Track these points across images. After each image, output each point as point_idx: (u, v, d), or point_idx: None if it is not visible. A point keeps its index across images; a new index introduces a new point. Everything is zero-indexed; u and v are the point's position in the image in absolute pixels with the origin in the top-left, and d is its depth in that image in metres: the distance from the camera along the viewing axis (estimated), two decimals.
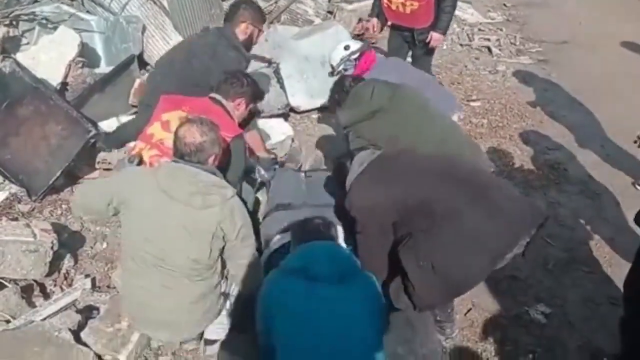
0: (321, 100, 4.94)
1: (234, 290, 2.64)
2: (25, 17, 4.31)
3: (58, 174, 3.51)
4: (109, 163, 3.70)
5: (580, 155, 4.58)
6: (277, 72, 4.70)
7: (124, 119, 4.05)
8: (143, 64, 4.73)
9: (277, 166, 3.74)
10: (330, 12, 6.34)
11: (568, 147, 4.69)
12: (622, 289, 2.67)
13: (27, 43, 4.27)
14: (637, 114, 4.81)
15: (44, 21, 4.33)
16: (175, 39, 4.74)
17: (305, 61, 4.82)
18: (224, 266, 2.51)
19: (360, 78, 3.47)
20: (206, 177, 2.37)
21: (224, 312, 2.62)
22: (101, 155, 3.74)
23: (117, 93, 4.17)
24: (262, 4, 5.79)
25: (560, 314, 3.07)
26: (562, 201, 4.02)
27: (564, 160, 4.50)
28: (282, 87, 4.70)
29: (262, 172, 3.49)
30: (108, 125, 3.95)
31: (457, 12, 7.16)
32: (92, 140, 3.64)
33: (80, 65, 4.14)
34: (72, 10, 4.47)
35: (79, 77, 4.11)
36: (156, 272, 2.34)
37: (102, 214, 2.47)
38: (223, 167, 2.68)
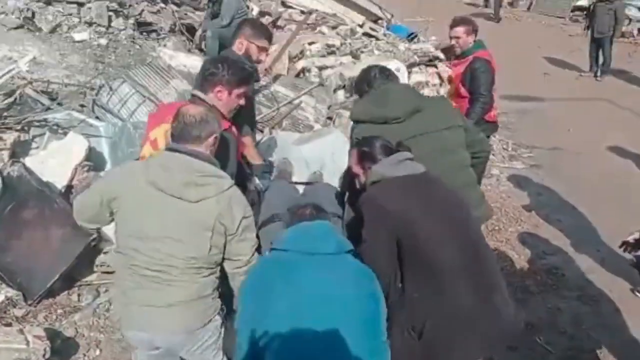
0: None
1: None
2: (37, 123, 4.49)
3: (56, 277, 3.52)
4: (108, 266, 3.73)
5: (577, 259, 4.60)
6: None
7: None
8: None
9: (270, 175, 3.60)
10: (329, 118, 6.59)
11: (565, 251, 4.72)
12: None
13: (37, 147, 4.42)
14: (628, 218, 4.88)
15: (54, 127, 4.51)
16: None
17: (305, 165, 4.97)
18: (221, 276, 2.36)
19: (388, 71, 3.19)
20: (201, 166, 2.20)
21: None
22: (101, 258, 3.76)
23: None
24: (264, 111, 6.07)
25: None
26: (561, 307, 3.99)
27: (561, 265, 4.51)
28: None
29: (256, 180, 3.31)
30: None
31: None
32: (93, 244, 3.68)
33: (86, 169, 4.25)
34: (82, 117, 4.66)
35: (84, 180, 4.21)
36: (149, 272, 2.19)
37: (98, 217, 2.31)
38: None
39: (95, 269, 3.75)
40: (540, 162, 6.65)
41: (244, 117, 3.25)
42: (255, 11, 8.86)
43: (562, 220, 5.24)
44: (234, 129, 2.82)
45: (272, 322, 1.95)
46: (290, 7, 9.48)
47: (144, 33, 6.88)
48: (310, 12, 8.58)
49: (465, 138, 3.05)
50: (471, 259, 2.33)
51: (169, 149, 2.26)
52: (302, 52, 7.50)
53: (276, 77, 6.40)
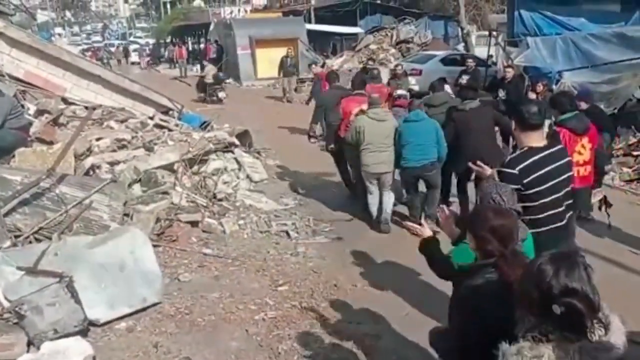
0: (124, 308, 4.68)
1: None
2: None
3: None
4: None
5: (392, 323, 4.75)
6: (69, 286, 4.33)
7: None
8: None
9: None
10: (127, 215, 6.22)
11: (381, 315, 4.88)
12: None
13: None
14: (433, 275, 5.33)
15: None
16: None
17: (102, 270, 4.59)
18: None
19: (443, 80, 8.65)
20: (383, 109, 7.27)
21: None
22: None
23: None
24: (50, 215, 5.52)
25: None
26: None
27: (376, 332, 4.62)
28: (77, 301, 4.32)
29: None
30: None
31: (251, 202, 7.56)
32: None
33: None
34: None
35: None
36: (377, 148, 6.79)
37: (359, 138, 6.83)
38: None
39: None
40: (341, 233, 6.98)
41: None
42: (32, 110, 8.21)
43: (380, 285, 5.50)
44: None
45: (402, 139, 6.80)
46: (73, 103, 9.01)
47: None
48: (94, 108, 8.22)
49: None
50: None
51: (369, 109, 6.96)
52: (89, 149, 7.10)
53: (61, 178, 5.88)
